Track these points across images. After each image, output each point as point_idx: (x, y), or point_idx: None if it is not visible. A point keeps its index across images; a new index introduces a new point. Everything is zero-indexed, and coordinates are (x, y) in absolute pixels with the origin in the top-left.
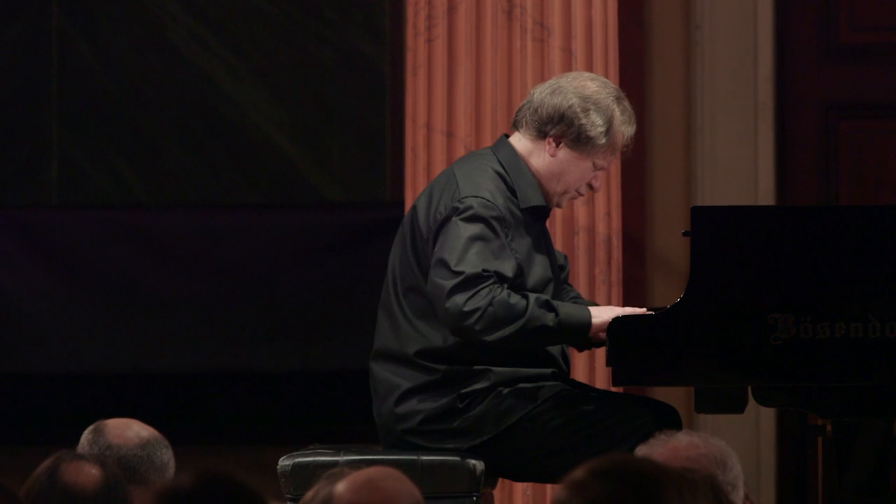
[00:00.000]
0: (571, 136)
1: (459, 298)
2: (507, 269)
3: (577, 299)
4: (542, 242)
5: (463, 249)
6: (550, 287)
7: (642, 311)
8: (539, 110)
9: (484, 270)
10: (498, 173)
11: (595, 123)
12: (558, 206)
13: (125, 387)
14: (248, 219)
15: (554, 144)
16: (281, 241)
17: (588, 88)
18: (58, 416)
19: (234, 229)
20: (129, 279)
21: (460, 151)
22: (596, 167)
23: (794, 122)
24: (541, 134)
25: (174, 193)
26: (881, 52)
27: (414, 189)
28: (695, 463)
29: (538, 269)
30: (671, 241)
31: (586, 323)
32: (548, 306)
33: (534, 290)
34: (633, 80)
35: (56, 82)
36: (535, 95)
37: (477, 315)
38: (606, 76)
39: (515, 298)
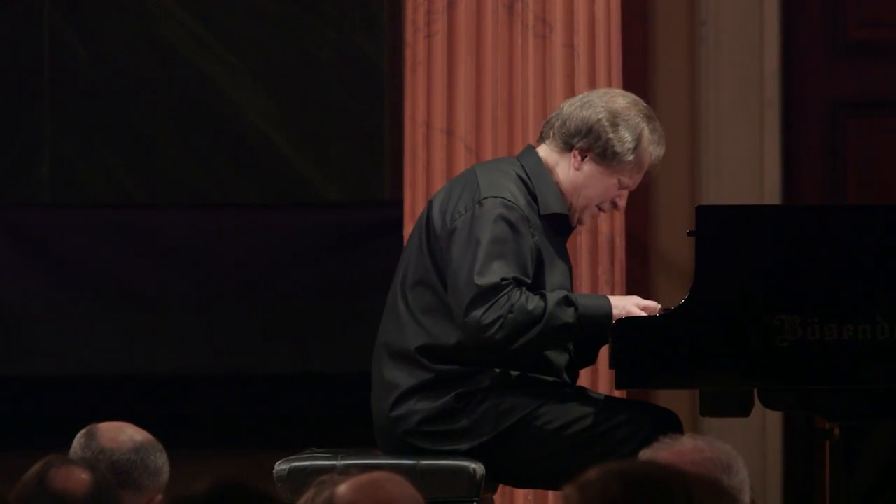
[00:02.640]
0: (598, 149)
1: (478, 312)
2: (528, 270)
3: None
4: (562, 255)
5: (484, 255)
6: None
7: (658, 305)
8: (567, 122)
9: (502, 279)
10: (520, 177)
11: (623, 139)
12: (580, 222)
13: (119, 389)
14: (245, 218)
15: (580, 157)
16: (278, 241)
17: (618, 104)
18: (50, 419)
19: (231, 229)
20: (123, 279)
21: (460, 150)
22: (621, 185)
23: (800, 119)
24: (567, 146)
25: (169, 192)
26: (890, 48)
27: (413, 188)
28: (700, 467)
29: (557, 276)
30: (676, 241)
31: (607, 313)
32: (566, 302)
33: None
34: (637, 77)
35: (48, 79)
36: (565, 108)
37: (497, 326)
38: (609, 73)
39: (534, 302)
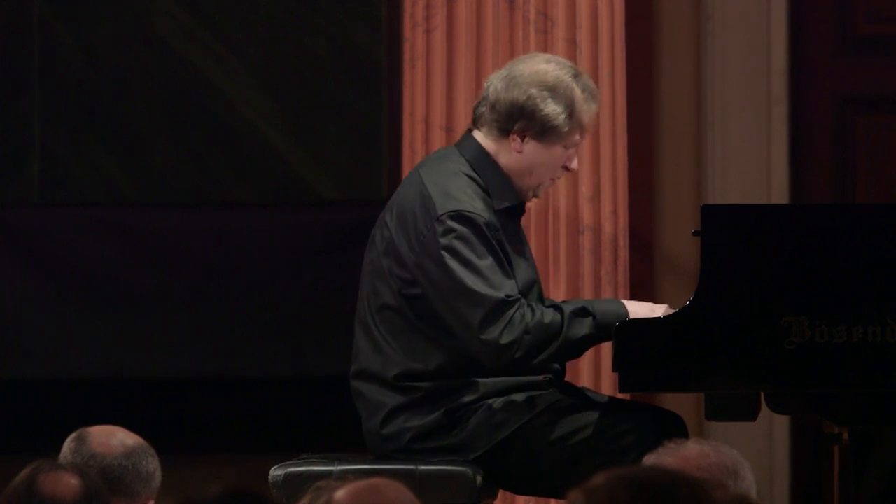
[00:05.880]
0: (535, 128)
1: (493, 332)
2: (511, 273)
3: None
4: (519, 243)
5: (475, 275)
6: (536, 288)
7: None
8: (496, 106)
9: (507, 296)
10: (469, 176)
11: (556, 111)
12: (535, 196)
13: (109, 393)
14: (239, 217)
15: (519, 140)
16: (273, 241)
17: (542, 73)
18: (39, 423)
19: (225, 228)
20: (115, 280)
21: None
22: (567, 148)
23: (808, 116)
24: (503, 132)
25: (161, 191)
26: None
27: None
28: (705, 472)
29: (522, 272)
30: (680, 241)
31: (623, 317)
32: (583, 313)
33: (521, 294)
34: (641, 73)
35: (38, 74)
36: (490, 90)
37: (515, 347)
38: (613, 69)
39: (549, 316)
